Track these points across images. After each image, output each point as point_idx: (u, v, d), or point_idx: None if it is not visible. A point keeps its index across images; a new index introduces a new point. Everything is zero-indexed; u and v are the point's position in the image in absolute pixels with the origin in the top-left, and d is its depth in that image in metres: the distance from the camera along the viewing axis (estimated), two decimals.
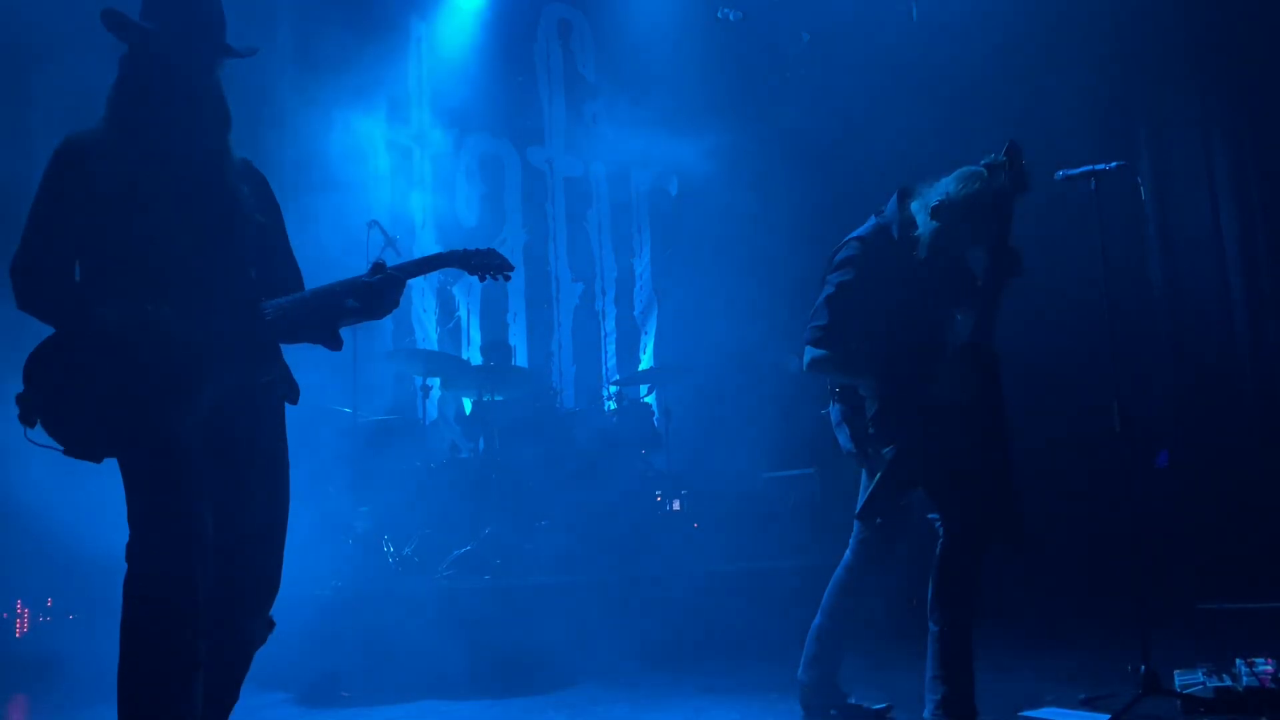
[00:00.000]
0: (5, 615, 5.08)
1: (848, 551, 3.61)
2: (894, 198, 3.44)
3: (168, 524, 2.19)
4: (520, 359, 7.73)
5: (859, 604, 3.64)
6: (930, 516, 3.37)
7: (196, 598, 2.18)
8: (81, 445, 2.26)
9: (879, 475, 3.35)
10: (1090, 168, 3.77)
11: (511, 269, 2.78)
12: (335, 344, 2.57)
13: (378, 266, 2.53)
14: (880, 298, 3.32)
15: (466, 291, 7.90)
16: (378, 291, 2.50)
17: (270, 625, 2.49)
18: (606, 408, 7.43)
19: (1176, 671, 3.67)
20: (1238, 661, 3.62)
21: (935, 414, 3.23)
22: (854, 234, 3.45)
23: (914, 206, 3.37)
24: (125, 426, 2.25)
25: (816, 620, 3.62)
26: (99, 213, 2.34)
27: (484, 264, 2.72)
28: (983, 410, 3.24)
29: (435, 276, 7.73)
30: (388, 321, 7.44)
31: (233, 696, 2.47)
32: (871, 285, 3.34)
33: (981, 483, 3.21)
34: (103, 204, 2.34)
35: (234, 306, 2.42)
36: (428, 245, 7.72)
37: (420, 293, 7.69)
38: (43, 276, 2.34)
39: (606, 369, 8.52)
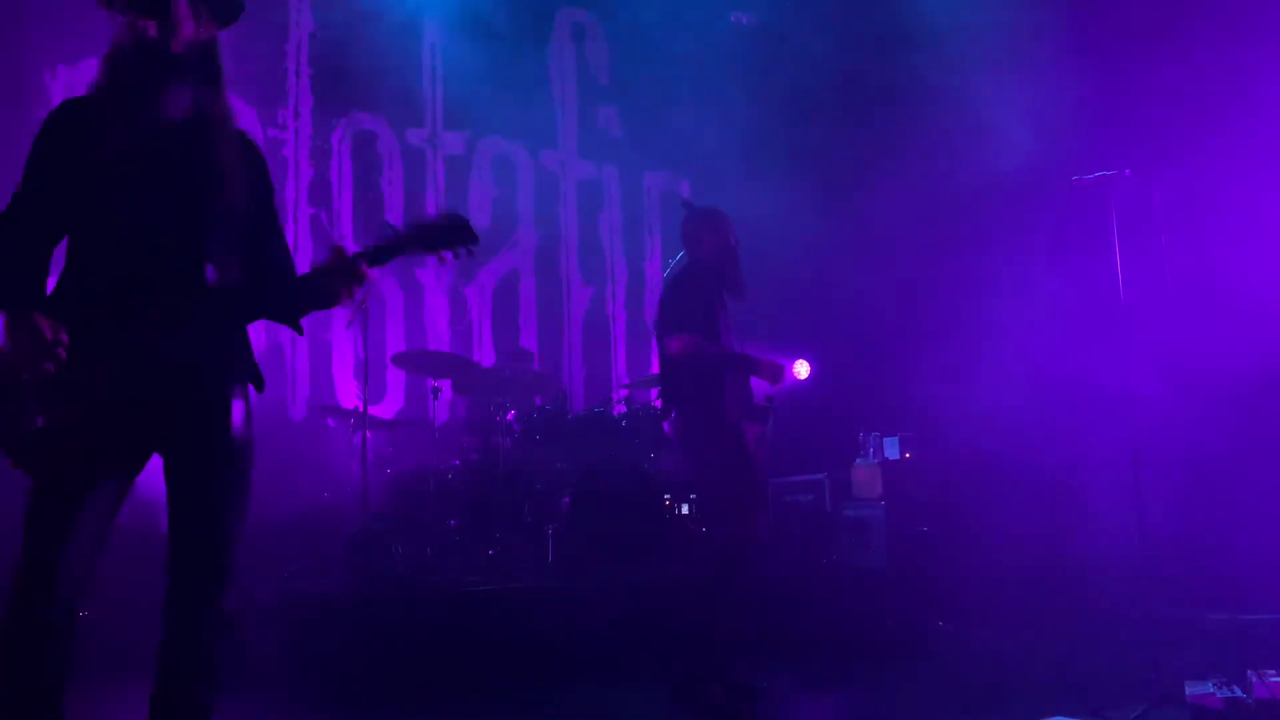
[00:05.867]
0: None
1: None
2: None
3: (29, 578, 2.17)
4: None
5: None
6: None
7: (43, 652, 2.18)
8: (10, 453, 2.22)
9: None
10: (1102, 174, 3.76)
11: (476, 241, 2.51)
12: (296, 326, 2.53)
13: (337, 251, 2.43)
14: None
15: (479, 293, 7.93)
16: (328, 277, 2.40)
17: (226, 622, 2.38)
18: (616, 411, 7.42)
19: (1187, 682, 3.65)
20: (1249, 673, 3.60)
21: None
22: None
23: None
24: (19, 455, 2.19)
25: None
26: (75, 182, 2.28)
27: (448, 239, 2.49)
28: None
29: (447, 277, 7.76)
30: (399, 322, 7.48)
31: (187, 695, 2.33)
32: None
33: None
34: (79, 173, 2.28)
35: (186, 292, 2.32)
36: None
37: (432, 293, 7.71)
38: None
39: (617, 372, 8.53)
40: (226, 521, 2.38)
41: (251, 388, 2.47)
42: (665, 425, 6.51)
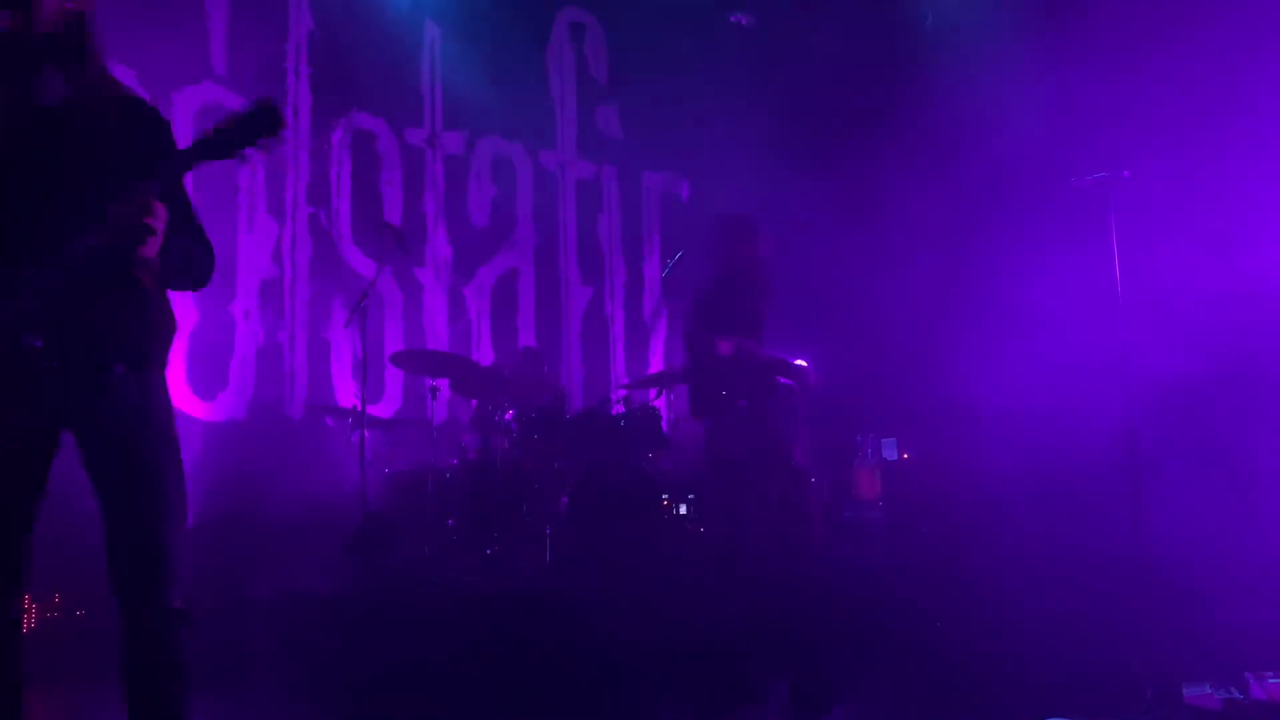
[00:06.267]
0: None
1: None
2: None
3: None
4: None
5: None
6: None
7: None
8: None
9: None
10: (1100, 175, 3.76)
11: (280, 126, 2.27)
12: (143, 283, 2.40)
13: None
14: None
15: (478, 292, 7.93)
16: (115, 212, 2.23)
17: (178, 616, 2.31)
18: (615, 411, 7.43)
19: (1184, 684, 3.65)
20: (1246, 674, 3.60)
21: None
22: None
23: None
24: None
25: None
26: None
27: (244, 136, 2.27)
28: None
29: (446, 276, 7.76)
30: (398, 322, 7.48)
31: (151, 692, 2.31)
32: None
33: None
34: None
35: (45, 270, 2.21)
36: (438, 246, 7.76)
37: (431, 293, 7.71)
38: None
39: (615, 372, 8.53)
40: (145, 512, 2.26)
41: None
42: (665, 426, 6.51)
